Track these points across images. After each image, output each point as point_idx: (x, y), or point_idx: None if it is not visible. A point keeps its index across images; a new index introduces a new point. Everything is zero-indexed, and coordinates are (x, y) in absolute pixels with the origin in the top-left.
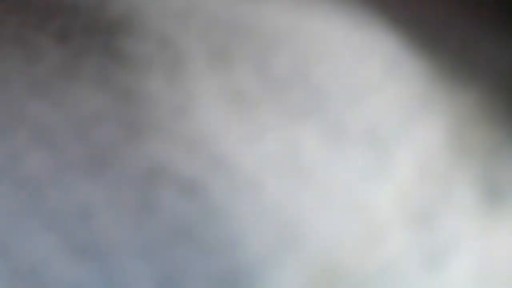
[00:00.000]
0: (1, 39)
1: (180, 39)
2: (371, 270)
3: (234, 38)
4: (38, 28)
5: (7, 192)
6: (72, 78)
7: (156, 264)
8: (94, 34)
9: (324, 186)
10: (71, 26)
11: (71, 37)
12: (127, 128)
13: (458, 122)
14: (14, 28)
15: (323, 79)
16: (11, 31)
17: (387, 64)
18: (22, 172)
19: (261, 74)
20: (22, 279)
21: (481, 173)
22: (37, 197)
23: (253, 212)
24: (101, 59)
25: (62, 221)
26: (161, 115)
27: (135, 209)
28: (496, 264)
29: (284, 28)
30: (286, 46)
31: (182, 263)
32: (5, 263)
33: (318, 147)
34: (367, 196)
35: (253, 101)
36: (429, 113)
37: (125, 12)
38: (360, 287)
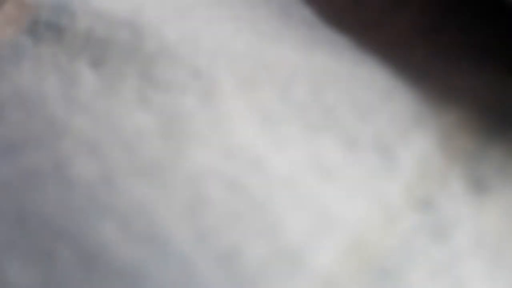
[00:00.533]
0: (38, 67)
1: (210, 70)
2: (390, 243)
3: (258, 70)
4: (73, 57)
5: (58, 190)
6: (111, 99)
7: (212, 246)
8: (130, 63)
9: (346, 181)
10: (106, 56)
11: (107, 65)
12: (169, 140)
13: (446, 132)
14: (50, 57)
15: (335, 100)
16: (48, 60)
17: (384, 91)
18: (69, 174)
19: (283, 97)
20: (86, 261)
21: (468, 170)
22: (89, 194)
23: (291, 204)
24: (139, 84)
25: (120, 213)
26: (198, 129)
27: (188, 203)
28: (485, 236)
29: (300, 61)
30: (302, 75)
31: (235, 245)
32: (72, 247)
33: (336, 153)
34: (382, 188)
35: (279, 119)
36: (422, 126)
37: (159, 46)
38: (383, 256)
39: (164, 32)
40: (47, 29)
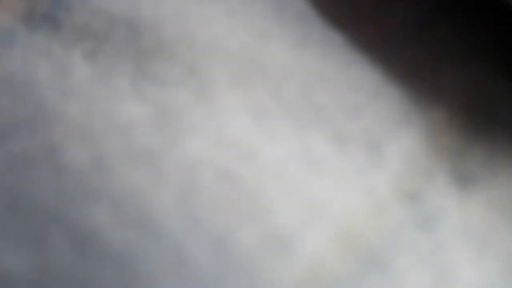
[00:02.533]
0: (31, 55)
1: (205, 66)
2: (378, 233)
3: (251, 68)
4: (67, 48)
5: (50, 175)
6: (105, 88)
7: (204, 231)
8: (125, 58)
9: (335, 173)
10: (100, 49)
11: (101, 58)
12: (162, 129)
13: (433, 129)
14: (43, 46)
15: (325, 98)
16: (41, 49)
17: (372, 89)
18: (61, 160)
19: (275, 94)
20: (80, 246)
21: (453, 165)
22: (81, 179)
23: (281, 193)
24: (133, 77)
25: (112, 198)
26: (191, 120)
27: (180, 189)
28: (469, 226)
29: (290, 61)
30: (293, 74)
31: (229, 228)
32: (65, 232)
33: (326, 148)
34: (370, 181)
35: (270, 114)
36: (409, 123)
37: (155, 42)
38: (371, 245)
39: (161, 29)
40: (43, 20)
